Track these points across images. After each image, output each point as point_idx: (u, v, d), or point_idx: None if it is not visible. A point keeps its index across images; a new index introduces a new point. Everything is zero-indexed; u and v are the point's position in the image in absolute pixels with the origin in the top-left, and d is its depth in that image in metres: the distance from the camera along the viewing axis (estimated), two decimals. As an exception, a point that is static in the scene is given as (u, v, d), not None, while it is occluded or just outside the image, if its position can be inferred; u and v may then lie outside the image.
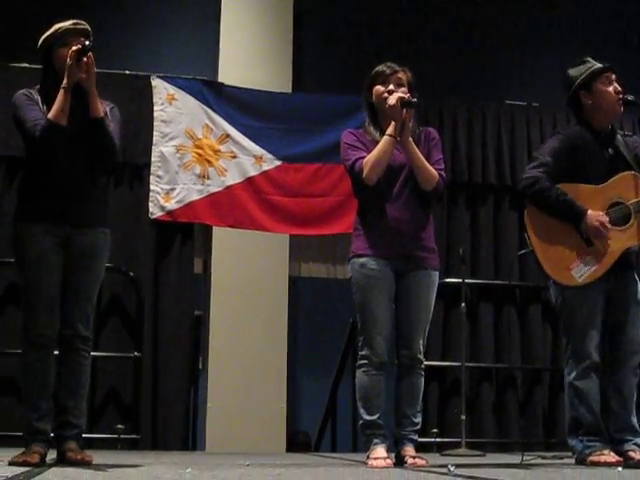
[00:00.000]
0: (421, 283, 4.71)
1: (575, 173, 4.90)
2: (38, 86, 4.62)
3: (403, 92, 4.69)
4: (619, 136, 5.08)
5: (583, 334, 4.81)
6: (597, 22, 9.18)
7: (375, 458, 4.54)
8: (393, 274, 4.69)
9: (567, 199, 4.83)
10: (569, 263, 4.83)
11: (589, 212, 4.79)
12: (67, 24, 4.57)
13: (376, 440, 4.62)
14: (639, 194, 4.82)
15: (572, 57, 7.58)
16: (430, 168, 4.67)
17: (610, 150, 4.97)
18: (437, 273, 4.81)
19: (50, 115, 4.42)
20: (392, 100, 4.62)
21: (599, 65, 5.00)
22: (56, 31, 4.57)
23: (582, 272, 4.80)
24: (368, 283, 4.65)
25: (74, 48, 4.40)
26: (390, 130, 4.64)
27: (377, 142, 4.71)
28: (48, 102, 4.48)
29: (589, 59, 5.05)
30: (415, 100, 4.64)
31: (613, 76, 4.99)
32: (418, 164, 4.66)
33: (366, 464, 4.55)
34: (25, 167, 4.66)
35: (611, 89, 4.94)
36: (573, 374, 4.85)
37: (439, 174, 4.71)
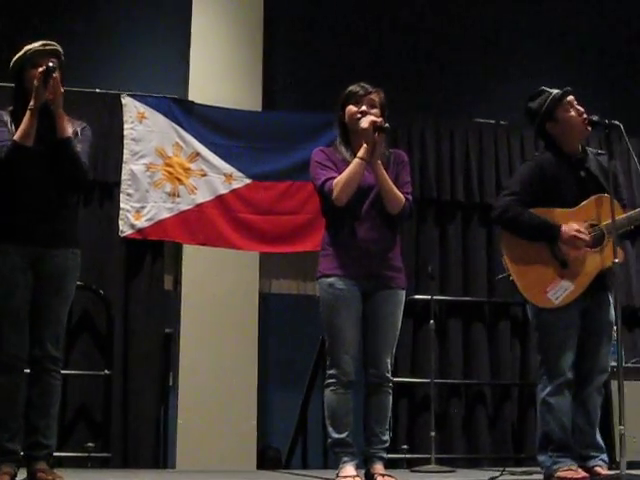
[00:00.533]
0: (388, 302, 4.75)
1: (547, 198, 4.97)
2: (11, 107, 4.64)
3: (375, 114, 4.74)
4: (591, 156, 5.14)
5: (558, 352, 4.86)
6: (564, 41, 9.26)
7: (345, 476, 4.57)
8: (360, 294, 4.72)
9: (540, 219, 4.90)
10: (545, 286, 4.90)
11: (563, 226, 4.86)
12: (36, 45, 4.60)
13: (345, 458, 4.65)
14: (611, 215, 4.88)
15: (539, 75, 7.69)
16: (397, 192, 4.71)
17: (582, 173, 5.03)
18: (404, 292, 4.85)
19: (15, 136, 4.45)
20: (365, 124, 4.66)
21: (556, 92, 5.06)
22: (26, 52, 4.60)
23: (558, 294, 4.87)
24: (336, 303, 4.68)
25: (40, 70, 4.43)
26: (361, 153, 4.67)
27: (347, 161, 4.74)
28: (18, 123, 4.50)
29: (544, 88, 5.13)
30: (387, 125, 4.68)
31: (572, 98, 5.05)
32: (386, 188, 4.70)
33: (335, 482, 4.58)
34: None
35: (574, 113, 5.01)
36: (546, 390, 4.90)
37: (406, 198, 4.75)
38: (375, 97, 4.82)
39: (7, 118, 4.59)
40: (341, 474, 4.61)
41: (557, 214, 4.94)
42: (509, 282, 5.05)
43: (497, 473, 5.48)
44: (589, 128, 5.01)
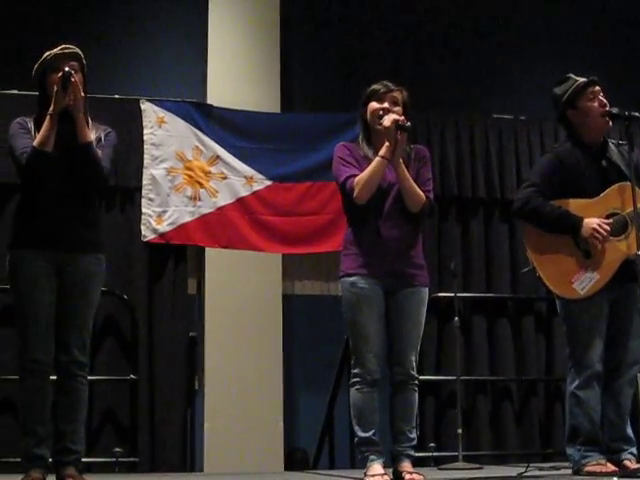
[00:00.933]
0: (411, 300, 4.74)
1: (569, 189, 4.95)
2: (35, 115, 4.67)
3: (398, 112, 4.75)
4: (612, 146, 5.13)
5: (586, 344, 4.85)
6: (582, 35, 9.23)
7: (372, 475, 4.57)
8: (383, 292, 4.72)
9: (562, 211, 4.88)
10: (570, 277, 4.88)
11: (585, 219, 4.84)
12: (56, 50, 4.64)
13: (372, 457, 4.65)
14: (634, 203, 4.86)
15: (558, 70, 7.63)
16: (417, 190, 4.71)
17: (603, 162, 5.02)
18: (427, 289, 4.84)
19: (35, 142, 4.48)
20: (387, 122, 4.66)
21: (582, 80, 5.05)
22: (45, 58, 4.62)
23: (584, 284, 4.85)
24: (358, 302, 4.69)
25: (58, 75, 4.46)
26: (383, 152, 4.67)
27: (369, 159, 4.75)
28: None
29: (571, 75, 5.11)
30: (409, 124, 4.68)
31: (597, 89, 5.04)
32: (406, 186, 4.70)
33: (364, 481, 4.58)
34: (19, 194, 4.71)
35: (596, 104, 4.99)
36: (575, 383, 4.88)
37: (426, 196, 4.75)
38: (398, 95, 4.83)
39: (31, 125, 4.62)
40: (369, 473, 4.61)
41: (579, 205, 4.92)
42: (534, 275, 5.03)
43: (522, 470, 5.46)
44: (609, 121, 5.00)
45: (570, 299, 4.91)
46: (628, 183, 4.89)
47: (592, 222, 4.83)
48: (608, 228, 4.84)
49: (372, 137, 4.86)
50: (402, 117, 4.71)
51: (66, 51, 4.63)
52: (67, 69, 4.47)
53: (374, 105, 4.80)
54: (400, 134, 4.66)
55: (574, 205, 4.92)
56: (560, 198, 4.93)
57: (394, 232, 4.73)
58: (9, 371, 6.64)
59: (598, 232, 4.82)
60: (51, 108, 4.49)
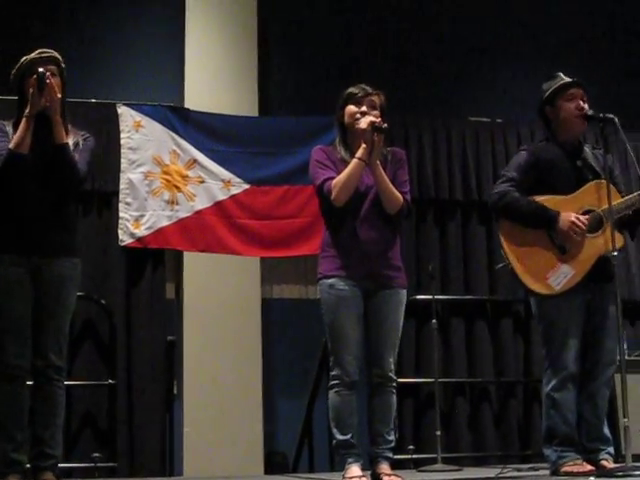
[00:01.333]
0: (389, 302, 4.75)
1: (544, 186, 4.99)
2: (14, 119, 4.67)
3: (375, 115, 4.76)
4: (587, 149, 5.17)
5: (561, 345, 4.87)
6: (560, 38, 9.28)
7: (350, 477, 4.58)
8: (361, 294, 4.73)
9: (538, 205, 4.91)
10: (545, 272, 4.90)
11: (562, 213, 4.86)
12: (33, 54, 4.64)
13: (350, 459, 4.65)
14: (609, 201, 4.89)
15: (534, 73, 7.68)
16: (395, 192, 4.72)
17: (578, 162, 5.06)
18: (405, 291, 4.84)
19: (10, 145, 4.47)
20: (363, 124, 4.67)
21: (565, 80, 5.09)
22: (23, 62, 4.62)
23: (559, 280, 4.87)
24: (337, 304, 4.69)
25: (33, 77, 4.46)
26: (360, 153, 4.68)
27: (346, 161, 4.76)
28: None
29: (560, 74, 5.15)
30: (386, 126, 4.69)
31: (578, 91, 5.07)
32: (383, 188, 4.71)
33: (342, 483, 4.59)
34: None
35: (572, 105, 5.03)
36: (550, 385, 4.90)
37: (404, 197, 4.76)
38: (376, 99, 4.84)
39: (9, 129, 4.61)
40: (347, 475, 4.61)
41: (554, 201, 4.94)
42: (508, 271, 5.06)
43: (505, 469, 5.49)
44: (584, 122, 5.04)
45: (545, 296, 4.93)
46: (603, 181, 4.93)
47: (569, 216, 4.86)
48: (586, 222, 4.88)
49: (349, 140, 4.86)
50: (379, 119, 4.73)
51: (43, 55, 4.64)
52: (41, 70, 4.47)
53: (352, 108, 4.81)
54: (377, 136, 4.67)
55: (550, 201, 4.95)
56: (535, 194, 4.96)
57: (372, 234, 4.74)
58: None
59: (576, 225, 4.85)
60: (27, 110, 4.49)
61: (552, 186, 4.99)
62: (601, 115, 4.92)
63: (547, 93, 5.12)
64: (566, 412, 4.85)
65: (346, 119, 4.84)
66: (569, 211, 4.90)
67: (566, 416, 4.86)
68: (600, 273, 4.90)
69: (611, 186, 4.89)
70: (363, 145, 4.68)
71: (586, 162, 5.08)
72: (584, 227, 4.87)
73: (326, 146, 4.96)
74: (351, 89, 4.86)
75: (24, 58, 4.64)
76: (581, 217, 4.89)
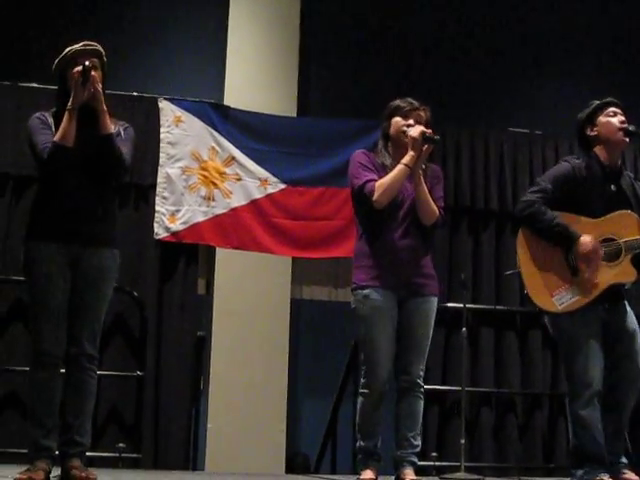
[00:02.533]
0: (421, 310, 4.79)
1: (574, 204, 4.97)
2: (54, 109, 4.70)
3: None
4: (627, 176, 5.15)
5: (585, 362, 4.85)
6: (600, 51, 9.25)
7: (361, 479, 4.70)
8: (396, 303, 4.77)
9: (561, 222, 4.89)
10: (552, 289, 4.90)
11: (583, 236, 4.85)
12: (77, 46, 4.66)
13: (368, 463, 4.76)
14: (634, 233, 4.90)
15: (574, 85, 7.67)
16: (432, 204, 4.78)
17: (613, 187, 5.03)
18: (436, 299, 4.89)
19: (56, 137, 4.50)
20: (415, 132, 4.72)
21: (604, 100, 5.09)
22: (67, 53, 4.65)
23: (563, 300, 4.87)
24: (372, 315, 4.73)
25: (77, 69, 4.49)
26: (406, 160, 4.72)
27: (386, 168, 4.80)
28: (60, 124, 4.56)
29: (595, 101, 5.13)
30: (438, 137, 4.76)
31: (617, 110, 5.06)
32: (423, 198, 4.75)
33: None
34: (37, 187, 4.74)
35: (614, 119, 5.01)
36: (576, 403, 4.87)
37: (439, 212, 4.81)
38: (422, 114, 4.90)
39: (51, 120, 4.64)
40: (361, 477, 4.72)
41: (579, 221, 4.93)
42: (518, 278, 5.07)
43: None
44: (626, 138, 5.02)
45: (560, 315, 4.92)
46: (630, 212, 4.94)
47: (589, 243, 4.84)
48: (602, 254, 4.86)
49: (392, 152, 4.90)
50: (430, 130, 4.76)
51: (87, 47, 4.66)
52: (87, 63, 4.50)
53: (399, 120, 4.87)
54: (427, 146, 4.72)
55: (575, 220, 4.93)
56: (563, 210, 4.95)
57: (407, 242, 4.78)
58: (17, 363, 6.69)
59: (593, 254, 4.83)
60: (69, 104, 4.52)
61: (581, 205, 4.97)
62: (643, 130, 4.92)
63: (586, 113, 5.10)
64: (594, 431, 4.82)
65: (392, 130, 4.89)
66: (591, 234, 4.89)
67: (594, 435, 4.82)
68: (613, 295, 4.92)
69: (638, 218, 4.90)
70: (411, 152, 4.71)
71: (621, 189, 5.05)
72: (599, 259, 4.86)
73: (368, 150, 4.99)
74: (399, 102, 4.92)
75: (68, 49, 4.66)
76: (600, 248, 4.86)
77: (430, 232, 4.89)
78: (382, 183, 4.71)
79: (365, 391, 4.76)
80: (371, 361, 4.73)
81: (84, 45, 4.67)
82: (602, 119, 5.05)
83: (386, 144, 4.93)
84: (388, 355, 4.73)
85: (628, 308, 5.00)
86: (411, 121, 4.83)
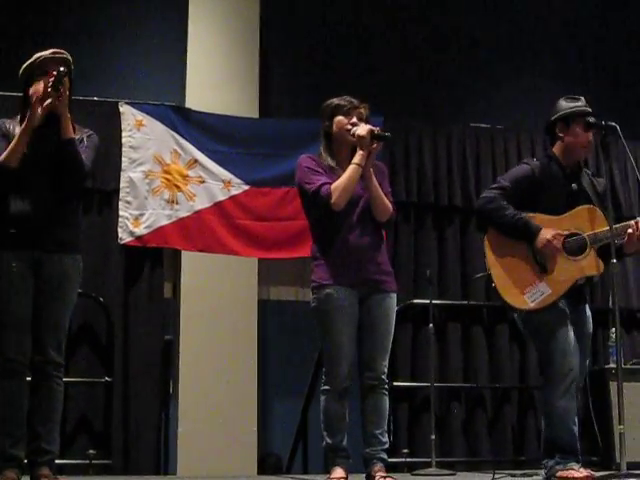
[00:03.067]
0: (382, 306, 4.81)
1: (536, 203, 5.02)
2: (19, 115, 4.67)
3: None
4: (585, 174, 5.21)
5: (564, 353, 4.88)
6: (560, 43, 9.29)
7: (330, 478, 4.68)
8: (357, 300, 4.78)
9: (522, 217, 4.95)
10: (523, 288, 4.95)
11: (542, 230, 4.90)
12: (46, 53, 4.63)
13: (337, 461, 4.74)
14: (596, 227, 4.95)
15: (536, 80, 7.71)
16: (386, 200, 4.82)
17: (574, 185, 5.09)
18: (395, 295, 4.90)
19: (1, 157, 4.48)
20: (362, 131, 4.73)
21: (586, 109, 5.12)
22: (35, 60, 4.62)
23: (535, 297, 4.92)
24: (333, 312, 4.73)
25: (51, 78, 4.46)
26: (357, 159, 4.74)
27: (334, 169, 4.82)
28: None
29: (582, 99, 5.18)
30: (388, 134, 4.79)
31: (594, 128, 5.09)
32: (376, 195, 4.79)
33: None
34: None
35: (585, 136, 5.06)
36: (555, 393, 4.88)
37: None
38: (363, 111, 4.91)
39: (12, 126, 4.62)
40: (331, 476, 4.70)
41: (543, 219, 4.99)
42: (487, 282, 5.11)
43: (498, 475, 5.51)
44: (587, 153, 5.11)
45: (529, 311, 4.96)
46: (592, 206, 5.02)
47: (547, 233, 4.90)
48: (561, 240, 4.91)
49: (335, 151, 4.91)
50: (377, 127, 4.78)
51: (57, 56, 4.64)
52: (62, 69, 4.48)
53: (341, 119, 4.86)
54: (376, 143, 4.73)
55: (537, 218, 4.98)
56: (525, 210, 4.99)
57: (363, 240, 4.80)
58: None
59: (551, 244, 4.88)
60: (25, 124, 4.49)
61: (542, 205, 5.03)
62: (603, 122, 4.95)
63: (565, 111, 5.13)
64: (569, 422, 4.85)
65: (335, 129, 4.88)
66: (552, 229, 4.94)
67: (569, 426, 4.85)
68: (577, 295, 4.99)
69: (600, 212, 4.96)
70: (360, 151, 4.73)
71: (581, 187, 5.12)
72: (558, 246, 4.90)
73: (312, 154, 4.99)
74: (337, 101, 4.91)
75: (37, 55, 4.63)
76: (559, 236, 4.91)
77: (384, 228, 4.94)
78: (337, 185, 4.72)
79: (327, 387, 4.77)
80: (332, 359, 4.75)
81: (53, 53, 4.64)
82: (576, 129, 5.09)
83: (329, 144, 4.94)
84: (349, 352, 4.74)
85: (588, 312, 5.08)
86: (354, 119, 4.84)
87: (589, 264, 4.95)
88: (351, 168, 4.73)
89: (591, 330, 5.11)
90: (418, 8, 9.11)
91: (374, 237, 4.84)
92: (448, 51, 9.07)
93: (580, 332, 5.01)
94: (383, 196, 4.80)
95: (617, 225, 4.95)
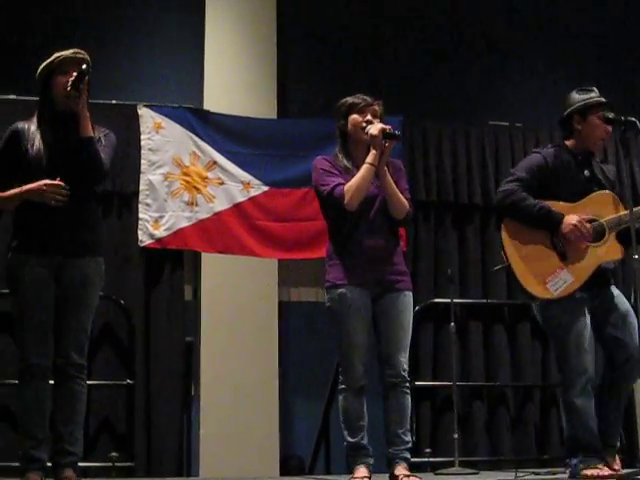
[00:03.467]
0: (397, 304, 4.81)
1: (550, 192, 5.01)
2: (35, 117, 4.68)
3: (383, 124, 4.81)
4: (595, 162, 5.20)
5: (578, 350, 4.88)
6: (579, 41, 9.26)
7: (354, 478, 4.69)
8: (370, 300, 4.79)
9: (543, 206, 4.94)
10: (545, 277, 4.94)
11: (566, 216, 4.88)
12: (67, 53, 4.63)
13: (359, 460, 4.75)
14: (614, 212, 4.94)
15: (554, 78, 7.67)
16: (402, 198, 4.81)
17: (586, 172, 5.08)
18: (411, 294, 4.91)
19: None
20: (374, 130, 4.74)
21: (602, 99, 5.11)
22: (55, 59, 4.62)
23: (558, 286, 4.90)
24: (347, 311, 4.75)
25: (72, 78, 4.47)
26: (370, 159, 4.75)
27: (349, 170, 4.83)
28: (42, 131, 4.55)
29: (595, 89, 5.17)
30: (398, 133, 4.79)
31: (610, 115, 5.08)
32: (391, 193, 4.78)
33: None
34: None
35: (603, 127, 5.05)
36: (571, 391, 4.89)
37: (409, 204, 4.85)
38: (377, 108, 4.91)
39: (28, 126, 4.62)
40: (354, 476, 4.71)
41: (558, 207, 4.98)
42: (506, 272, 5.09)
43: (521, 474, 5.49)
44: (603, 144, 5.10)
45: (545, 301, 4.94)
46: (607, 192, 4.99)
47: (572, 219, 4.89)
48: (588, 226, 4.90)
49: (351, 150, 4.93)
50: (389, 126, 4.78)
51: (77, 56, 4.64)
52: (84, 66, 4.49)
53: (356, 117, 4.87)
54: (388, 142, 4.72)
55: (555, 207, 4.96)
56: (540, 198, 4.97)
57: (378, 240, 4.81)
58: (6, 376, 6.65)
59: (578, 229, 4.87)
60: (25, 188, 4.51)
61: (556, 193, 5.03)
62: (622, 118, 4.94)
63: (581, 103, 5.13)
64: (589, 419, 4.85)
65: (350, 128, 4.90)
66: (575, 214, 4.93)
67: (589, 424, 4.85)
68: (599, 280, 4.95)
69: (615, 197, 4.95)
70: (373, 151, 4.75)
71: (593, 173, 5.12)
72: (585, 232, 4.89)
73: (328, 156, 4.99)
74: (352, 99, 4.93)
75: (57, 55, 4.63)
76: (585, 221, 4.90)
77: (400, 227, 4.96)
78: (351, 186, 4.72)
79: (344, 386, 4.80)
80: (346, 358, 4.77)
81: (74, 53, 4.64)
82: (594, 120, 5.08)
83: (344, 144, 4.94)
84: (364, 350, 4.76)
85: (617, 291, 5.04)
86: (369, 116, 4.84)
87: (609, 249, 4.96)
88: (364, 168, 4.74)
89: (627, 306, 5.01)
90: (435, 8, 9.09)
91: (390, 237, 4.85)
92: (466, 50, 9.05)
93: (612, 313, 4.98)
94: (399, 193, 4.79)
95: (636, 208, 4.93)
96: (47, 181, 4.47)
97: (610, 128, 5.08)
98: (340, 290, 4.77)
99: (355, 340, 4.73)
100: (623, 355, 4.93)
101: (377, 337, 4.83)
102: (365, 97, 4.91)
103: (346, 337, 4.75)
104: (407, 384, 4.82)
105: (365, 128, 4.80)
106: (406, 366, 4.81)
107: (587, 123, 5.10)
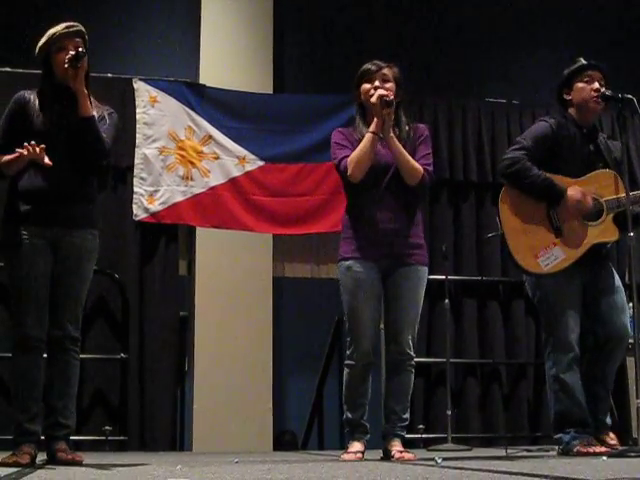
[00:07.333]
0: (408, 279, 4.77)
1: (554, 163, 4.98)
2: (38, 89, 4.66)
3: (390, 88, 4.78)
4: (602, 137, 5.16)
5: (565, 326, 4.86)
6: (578, 19, 9.23)
7: (348, 452, 4.69)
8: (380, 275, 4.75)
9: (547, 178, 4.90)
10: (537, 251, 4.90)
11: (569, 189, 4.86)
12: (60, 28, 4.58)
13: (355, 435, 4.75)
14: (614, 193, 4.91)
15: (552, 55, 7.64)
16: (414, 163, 4.73)
17: (591, 146, 5.05)
18: (425, 268, 4.86)
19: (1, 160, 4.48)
20: (373, 99, 4.71)
21: (582, 63, 5.08)
22: (51, 37, 4.58)
23: (549, 261, 4.88)
24: (354, 286, 4.73)
25: (68, 56, 4.44)
26: (372, 127, 4.72)
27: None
28: (44, 106, 4.53)
29: (581, 59, 5.13)
30: (391, 99, 4.70)
31: (597, 74, 5.05)
32: (400, 159, 4.72)
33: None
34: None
35: (589, 87, 5.01)
36: (557, 367, 4.88)
37: (424, 168, 4.76)
38: (388, 72, 4.85)
39: (32, 97, 4.60)
40: (348, 450, 4.70)
41: (561, 181, 4.94)
42: (500, 243, 5.06)
43: (512, 451, 5.50)
44: (600, 103, 5.02)
45: (540, 279, 4.93)
46: (609, 171, 4.95)
47: (577, 193, 4.85)
48: (590, 201, 4.88)
49: (369, 119, 4.86)
50: (387, 92, 4.72)
51: (71, 29, 4.60)
52: (81, 49, 4.46)
53: (366, 86, 4.83)
54: (386, 110, 4.68)
55: (558, 179, 4.94)
56: (543, 170, 4.94)
57: (391, 213, 4.76)
58: (2, 349, 6.64)
59: (581, 203, 4.85)
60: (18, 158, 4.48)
61: (560, 165, 4.98)
62: (620, 95, 4.91)
63: (565, 75, 5.11)
64: (577, 394, 4.84)
65: (362, 97, 4.86)
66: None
67: (577, 399, 4.84)
68: (594, 257, 4.92)
69: (618, 178, 4.91)
70: (375, 119, 4.71)
71: (599, 149, 5.08)
72: (587, 208, 4.87)
73: (345, 128, 4.98)
74: (365, 66, 4.88)
75: (51, 32, 4.59)
76: (589, 197, 4.88)
77: (418, 196, 4.88)
78: (352, 157, 4.71)
79: (350, 362, 4.77)
80: (354, 332, 4.74)
81: (67, 27, 4.60)
82: (578, 84, 5.06)
83: (363, 113, 4.91)
84: (371, 325, 4.74)
85: (612, 269, 5.02)
86: (376, 83, 4.79)
87: (605, 230, 4.91)
88: (365, 138, 4.72)
89: (619, 283, 5.00)
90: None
91: (404, 209, 4.79)
92: (463, 26, 9.02)
93: (604, 286, 4.97)
94: (410, 160, 4.73)
95: (634, 192, 4.91)
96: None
97: (596, 84, 5.04)
98: (348, 263, 4.75)
99: (362, 315, 4.71)
100: (606, 334, 4.92)
101: (386, 311, 4.82)
102: (377, 62, 4.85)
103: (353, 311, 4.74)
104: (412, 362, 4.81)
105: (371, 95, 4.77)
106: (412, 343, 4.79)
107: (574, 90, 5.07)
